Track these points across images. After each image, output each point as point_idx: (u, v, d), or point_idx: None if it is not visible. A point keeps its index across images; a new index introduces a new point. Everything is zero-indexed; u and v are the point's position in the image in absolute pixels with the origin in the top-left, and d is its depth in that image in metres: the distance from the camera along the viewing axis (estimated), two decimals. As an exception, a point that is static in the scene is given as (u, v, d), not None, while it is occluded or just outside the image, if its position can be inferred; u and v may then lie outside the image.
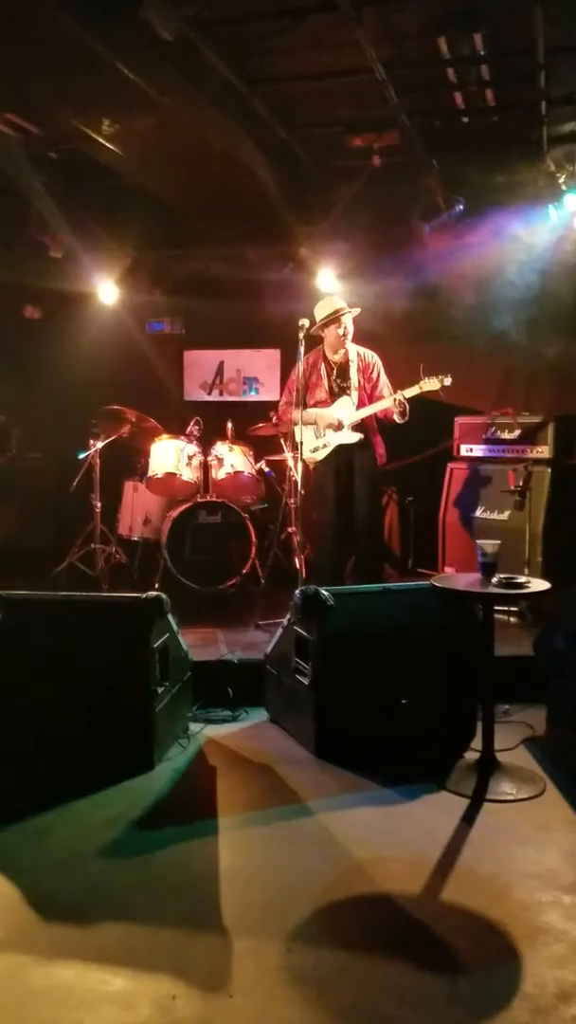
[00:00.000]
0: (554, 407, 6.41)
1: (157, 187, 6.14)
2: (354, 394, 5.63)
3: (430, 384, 5.38)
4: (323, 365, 5.72)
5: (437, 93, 5.21)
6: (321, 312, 5.64)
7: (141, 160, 5.44)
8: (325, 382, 5.70)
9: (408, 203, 6.16)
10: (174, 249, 7.38)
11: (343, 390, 5.66)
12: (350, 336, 5.65)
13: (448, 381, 5.36)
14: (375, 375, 5.67)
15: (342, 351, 5.68)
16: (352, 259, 6.55)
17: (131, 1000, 2.36)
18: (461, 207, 6.07)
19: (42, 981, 2.43)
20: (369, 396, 5.63)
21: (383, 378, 5.68)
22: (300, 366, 5.48)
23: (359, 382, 5.63)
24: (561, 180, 5.84)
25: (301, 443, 5.53)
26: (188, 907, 2.82)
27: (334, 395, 5.68)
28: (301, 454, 5.60)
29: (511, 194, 6.01)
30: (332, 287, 6.53)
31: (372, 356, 5.73)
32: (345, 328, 5.61)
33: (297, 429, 5.59)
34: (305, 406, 5.58)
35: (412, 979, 2.45)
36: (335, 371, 5.70)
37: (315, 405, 5.69)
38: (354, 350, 5.70)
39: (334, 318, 5.57)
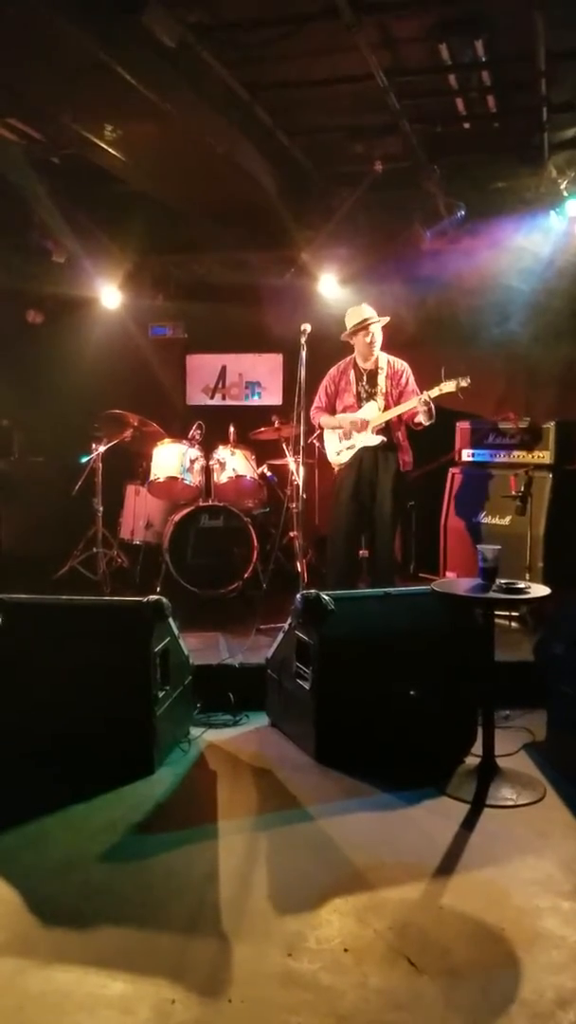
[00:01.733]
0: (555, 412, 6.41)
1: (159, 192, 6.17)
2: (380, 399, 5.63)
3: (448, 385, 5.37)
4: (352, 372, 5.74)
5: (438, 99, 5.25)
6: (350, 320, 5.65)
7: (143, 165, 5.47)
8: (353, 387, 5.72)
9: (409, 209, 6.19)
10: (176, 254, 7.41)
11: (371, 396, 5.67)
12: (378, 344, 5.64)
13: (466, 382, 5.33)
14: (404, 381, 5.65)
15: (372, 359, 5.69)
16: (353, 264, 6.58)
17: (130, 1004, 2.36)
18: (462, 213, 6.09)
19: (41, 985, 2.44)
20: (396, 402, 5.64)
21: (411, 384, 5.66)
22: (302, 369, 5.48)
23: (387, 388, 5.64)
24: (562, 186, 5.86)
25: (301, 447, 5.55)
26: (187, 911, 2.82)
27: (361, 400, 5.69)
28: (301, 455, 5.62)
29: (512, 200, 6.03)
30: (333, 292, 6.54)
31: (402, 364, 5.71)
32: (372, 336, 5.60)
33: (330, 435, 5.63)
34: (334, 411, 5.71)
35: (411, 984, 2.45)
36: (364, 377, 5.71)
37: (343, 411, 5.71)
38: (384, 358, 5.70)
39: (362, 327, 5.58)
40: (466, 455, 6.47)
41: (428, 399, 5.39)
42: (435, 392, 5.39)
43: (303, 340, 5.40)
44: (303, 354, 5.42)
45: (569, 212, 5.83)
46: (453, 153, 5.93)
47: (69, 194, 6.31)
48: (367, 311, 5.67)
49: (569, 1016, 2.29)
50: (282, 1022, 2.29)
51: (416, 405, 5.44)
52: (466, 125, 5.60)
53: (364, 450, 5.65)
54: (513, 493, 5.91)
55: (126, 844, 3.28)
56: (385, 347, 5.71)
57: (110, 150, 5.03)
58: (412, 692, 4.04)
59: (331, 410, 5.77)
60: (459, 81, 4.97)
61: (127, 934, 2.70)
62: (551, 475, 5.95)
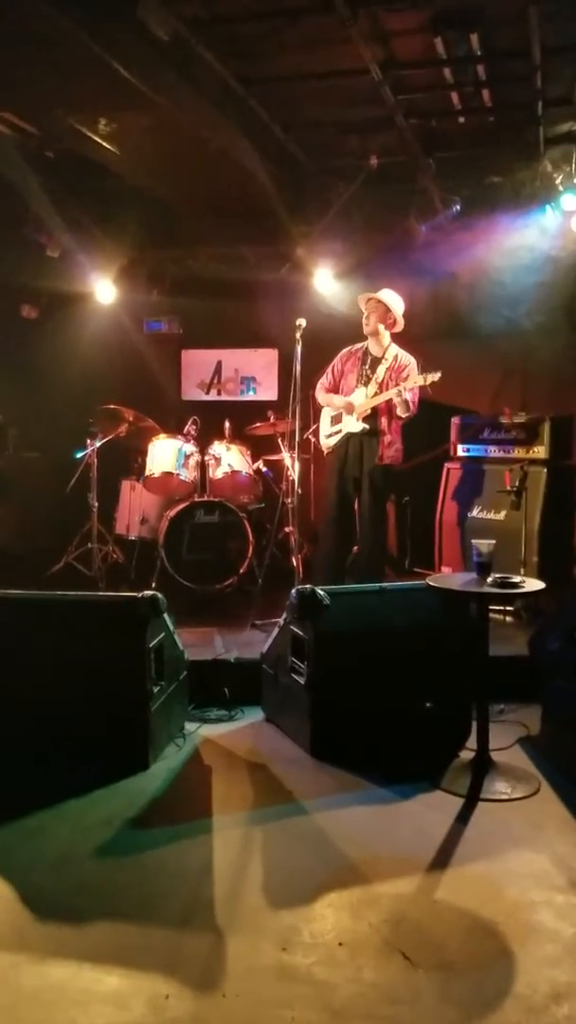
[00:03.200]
0: (550, 407, 6.42)
1: (154, 186, 6.16)
2: (372, 387, 5.66)
3: (417, 379, 5.42)
4: (362, 354, 5.79)
5: (434, 93, 5.23)
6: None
7: (138, 159, 5.45)
8: (357, 370, 5.76)
9: (405, 203, 6.18)
10: (171, 249, 7.38)
11: (368, 381, 5.69)
12: (370, 324, 5.70)
13: (436, 377, 5.36)
14: (405, 376, 5.67)
15: (384, 345, 5.74)
16: (349, 259, 6.56)
17: (124, 999, 2.36)
18: (458, 207, 6.09)
19: (35, 980, 2.44)
20: None
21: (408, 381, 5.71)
22: (297, 364, 5.48)
23: (384, 378, 5.66)
24: (558, 180, 5.85)
25: (296, 442, 5.55)
26: (182, 906, 2.82)
27: (359, 384, 5.73)
28: (297, 450, 5.63)
29: (508, 194, 6.02)
30: (329, 286, 6.53)
31: (408, 359, 5.72)
32: (367, 315, 5.69)
33: (324, 415, 5.69)
34: (337, 391, 5.82)
35: (405, 978, 2.45)
36: (369, 363, 5.75)
37: (344, 391, 5.80)
38: (393, 351, 5.73)
39: (361, 305, 5.71)
40: (461, 450, 6.48)
41: (401, 391, 5.43)
42: (409, 385, 5.41)
43: (298, 335, 5.40)
44: (298, 349, 5.41)
45: (564, 206, 5.82)
46: (448, 147, 5.91)
47: (63, 188, 6.28)
48: (371, 292, 5.70)
49: (563, 1010, 2.30)
50: (276, 1016, 2.29)
51: (393, 397, 5.49)
52: (461, 119, 5.59)
53: (349, 435, 5.70)
54: (508, 488, 5.91)
55: (121, 839, 3.29)
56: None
57: (104, 144, 5.02)
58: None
59: (335, 390, 5.84)
60: (454, 75, 4.95)
61: (121, 929, 2.70)
62: (546, 470, 5.96)
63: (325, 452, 5.87)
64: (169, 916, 2.76)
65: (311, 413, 6.33)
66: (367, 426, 5.64)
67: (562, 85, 5.08)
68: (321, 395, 5.91)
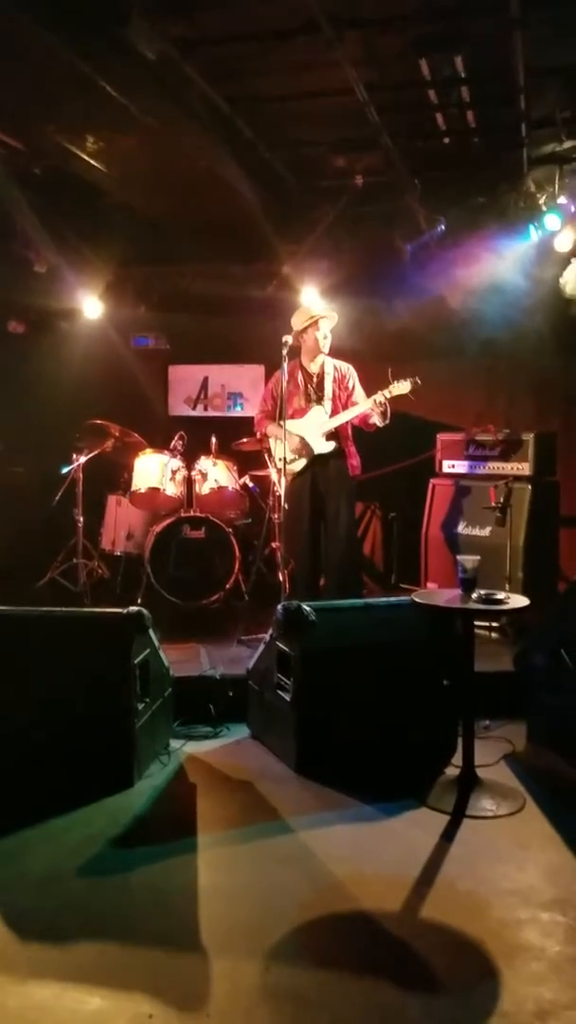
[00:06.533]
0: (534, 424, 6.46)
1: (141, 204, 6.18)
2: (327, 404, 5.64)
3: (402, 386, 5.40)
4: (300, 374, 5.74)
5: (419, 114, 5.28)
6: (298, 320, 5.67)
7: (125, 177, 5.47)
8: (302, 389, 5.72)
9: (390, 223, 6.22)
10: (158, 265, 7.40)
11: (319, 399, 5.68)
12: (328, 342, 5.65)
13: (418, 381, 5.37)
14: (350, 385, 5.68)
15: (320, 360, 5.69)
16: (335, 277, 6.60)
17: (107, 1020, 2.34)
18: (443, 227, 6.14)
19: (18, 1001, 2.41)
20: (344, 406, 5.65)
21: (358, 388, 5.70)
22: (284, 380, 5.47)
23: (334, 392, 5.66)
24: (541, 200, 5.91)
25: (284, 459, 5.54)
26: (166, 926, 2.80)
27: (311, 403, 5.69)
28: (285, 470, 5.60)
29: (492, 214, 6.08)
30: (315, 304, 6.56)
31: (347, 367, 5.75)
32: (324, 332, 5.63)
33: (277, 444, 5.60)
34: (283, 417, 5.55)
35: (390, 997, 2.44)
36: (313, 380, 5.72)
37: (293, 415, 5.68)
38: (331, 363, 5.72)
39: (312, 323, 5.61)
40: (446, 466, 6.51)
41: (384, 400, 5.42)
42: (388, 394, 5.42)
43: (285, 352, 5.41)
44: (285, 365, 5.43)
45: (548, 226, 5.89)
46: (434, 168, 5.97)
47: (50, 205, 6.30)
48: (316, 309, 5.69)
49: (548, 1028, 2.29)
50: (261, 1036, 2.28)
51: (370, 407, 5.47)
52: (446, 140, 5.65)
53: (316, 458, 5.65)
54: (493, 504, 5.94)
55: (105, 858, 3.27)
56: (368, 359, 5.73)
57: (92, 162, 5.03)
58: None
59: (277, 416, 5.64)
60: (439, 97, 5.01)
61: (105, 949, 2.68)
62: (530, 486, 5.99)
63: (289, 478, 5.62)
64: (153, 935, 2.74)
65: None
66: (334, 444, 5.63)
67: (546, 106, 5.14)
68: (271, 428, 5.70)
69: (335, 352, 5.78)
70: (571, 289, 6.13)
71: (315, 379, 5.71)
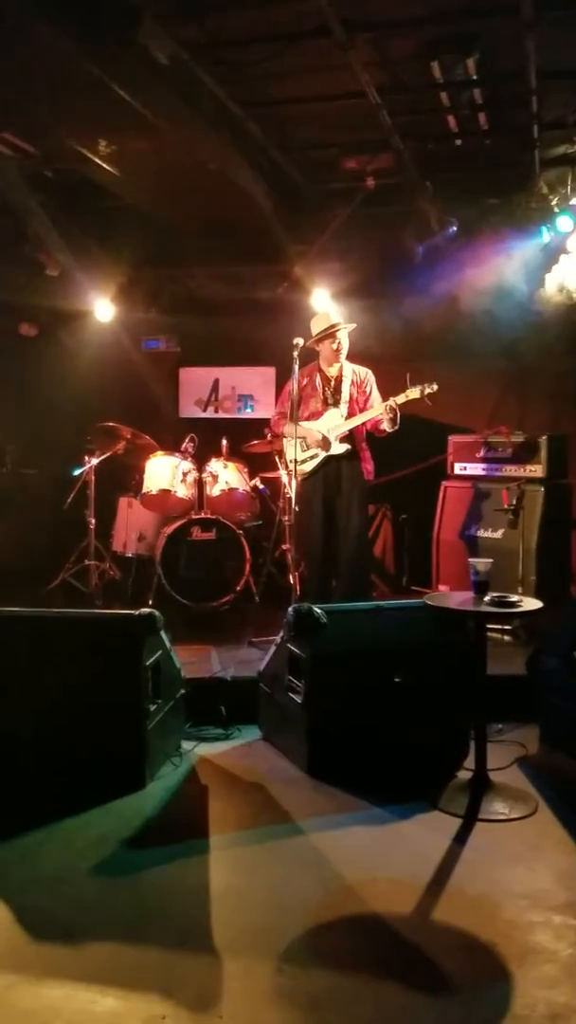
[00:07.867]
0: (547, 426, 6.44)
1: (153, 207, 6.20)
2: (343, 407, 5.66)
3: (413, 392, 5.40)
4: (319, 377, 5.76)
5: (430, 116, 5.28)
6: (317, 327, 5.69)
7: (137, 180, 5.50)
8: (320, 393, 5.74)
9: (402, 224, 6.22)
10: (169, 267, 7.43)
11: (335, 403, 5.69)
12: (344, 351, 5.68)
13: (434, 388, 5.37)
14: (368, 390, 5.71)
15: (337, 365, 5.72)
16: (346, 279, 6.61)
17: (120, 1020, 2.34)
18: (454, 229, 6.13)
19: (31, 1001, 2.42)
20: (360, 410, 5.66)
21: (375, 393, 5.71)
22: (295, 383, 5.48)
23: (351, 395, 5.68)
24: (554, 202, 5.91)
25: (295, 460, 5.55)
26: (178, 927, 2.80)
27: (327, 406, 5.71)
28: (295, 471, 5.60)
29: (504, 216, 6.08)
30: (327, 306, 6.56)
31: (366, 372, 5.77)
32: (339, 343, 5.64)
33: (289, 445, 5.61)
34: (299, 418, 5.58)
35: (402, 1000, 2.44)
36: (330, 384, 5.74)
37: (309, 417, 5.70)
38: (349, 367, 5.74)
39: (329, 333, 5.62)
40: (459, 469, 6.50)
41: (394, 405, 5.43)
42: (401, 399, 5.42)
43: (295, 354, 5.41)
44: (296, 368, 5.43)
45: (560, 228, 5.88)
46: (445, 169, 5.98)
47: (63, 208, 6.33)
48: (334, 317, 5.70)
49: (561, 1031, 2.28)
50: (273, 1038, 2.28)
51: (382, 412, 5.47)
52: (458, 142, 5.65)
53: (329, 459, 5.66)
54: (505, 507, 5.93)
55: (117, 859, 3.27)
56: (380, 361, 5.72)
57: (104, 165, 5.06)
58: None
59: (296, 420, 5.60)
60: (451, 99, 5.01)
61: (118, 949, 2.68)
62: (543, 489, 5.97)
63: (300, 478, 5.65)
64: (165, 936, 2.74)
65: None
66: (348, 447, 5.64)
67: (558, 108, 5.15)
68: (288, 428, 5.63)
69: (349, 354, 5.79)
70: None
71: (333, 382, 5.74)
